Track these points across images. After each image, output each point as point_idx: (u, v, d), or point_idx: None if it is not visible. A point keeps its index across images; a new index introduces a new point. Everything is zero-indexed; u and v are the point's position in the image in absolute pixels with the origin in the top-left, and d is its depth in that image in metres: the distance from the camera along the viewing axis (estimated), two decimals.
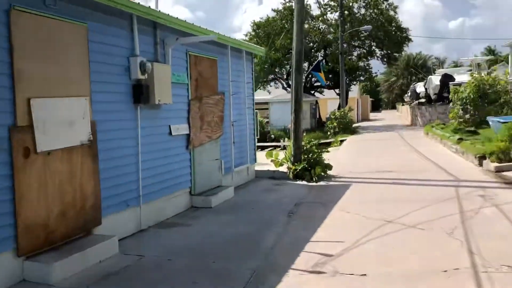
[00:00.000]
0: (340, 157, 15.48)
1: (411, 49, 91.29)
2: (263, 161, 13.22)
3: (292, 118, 11.72)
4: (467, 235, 5.70)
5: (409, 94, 51.86)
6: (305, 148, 11.57)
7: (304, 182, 10.52)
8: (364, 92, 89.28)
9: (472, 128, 17.52)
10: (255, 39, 31.65)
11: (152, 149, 7.13)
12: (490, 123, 13.16)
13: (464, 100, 19.40)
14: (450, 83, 28.84)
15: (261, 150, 25.96)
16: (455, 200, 7.62)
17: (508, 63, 32.55)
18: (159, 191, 7.30)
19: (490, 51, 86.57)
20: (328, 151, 11.95)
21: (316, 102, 35.22)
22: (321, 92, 38.04)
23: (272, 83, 38.16)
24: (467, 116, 19.46)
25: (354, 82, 35.66)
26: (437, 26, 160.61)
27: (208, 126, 8.74)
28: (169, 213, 7.59)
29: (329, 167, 11.44)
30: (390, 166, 12.23)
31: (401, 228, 6.24)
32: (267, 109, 34.42)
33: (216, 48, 9.17)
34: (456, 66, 58.27)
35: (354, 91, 46.91)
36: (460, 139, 14.46)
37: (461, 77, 30.86)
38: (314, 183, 10.35)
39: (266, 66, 31.19)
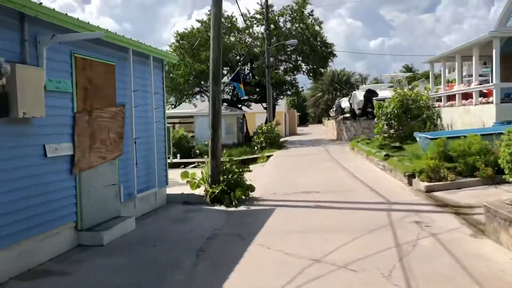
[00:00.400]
0: (265, 175, 14.42)
1: (335, 66, 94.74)
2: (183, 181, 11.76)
3: (210, 133, 10.45)
4: (408, 279, 4.69)
5: (335, 109, 52.90)
6: (224, 167, 10.29)
7: (223, 207, 9.22)
8: (292, 107, 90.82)
9: (398, 144, 17.31)
10: (179, 50, 30.17)
11: (17, 175, 5.47)
12: (418, 139, 12.76)
13: (389, 115, 19.30)
14: (374, 98, 29.26)
15: (184, 166, 24.42)
16: (389, 228, 6.71)
17: (427, 79, 33.85)
18: (29, 229, 5.64)
19: (408, 68, 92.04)
20: (250, 171, 10.82)
21: (243, 116, 34.30)
22: (248, 106, 37.23)
23: (198, 96, 36.73)
24: (392, 131, 19.36)
25: (281, 96, 35.29)
26: (358, 45, 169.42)
27: (102, 144, 7.16)
28: (44, 257, 5.92)
29: (251, 188, 10.26)
30: (316, 185, 11.32)
31: (331, 270, 5.11)
32: (192, 123, 32.93)
33: (114, 52, 7.66)
34: (377, 82, 60.92)
35: (282, 105, 46.80)
36: (387, 156, 13.99)
37: (384, 92, 31.54)
38: (233, 208, 9.08)
39: (191, 78, 29.73)
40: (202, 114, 31.33)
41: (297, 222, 7.68)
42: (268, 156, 21.72)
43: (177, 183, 12.03)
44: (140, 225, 7.77)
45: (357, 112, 32.01)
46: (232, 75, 19.48)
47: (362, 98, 30.99)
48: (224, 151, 11.99)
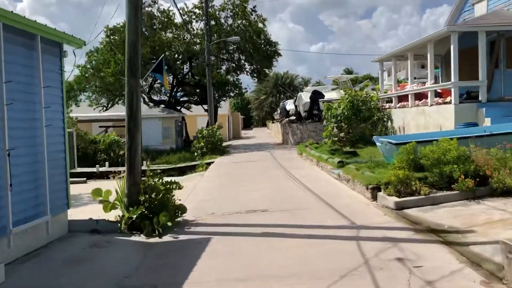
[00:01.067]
0: (203, 187, 12.29)
1: (278, 69, 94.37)
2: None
3: (126, 140, 8.17)
4: None
5: (279, 111, 51.62)
6: (146, 184, 8.05)
7: (142, 238, 7.01)
8: (236, 109, 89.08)
9: (349, 148, 15.81)
10: (109, 46, 27.28)
11: None
12: (378, 144, 11.16)
13: (339, 118, 17.85)
14: (320, 100, 27.99)
15: (109, 177, 21.69)
16: (366, 271, 4.84)
17: (371, 81, 33.18)
18: None
19: (349, 72, 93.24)
20: (180, 187, 8.63)
21: (183, 118, 31.87)
22: (188, 108, 34.87)
23: None
24: (342, 134, 17.94)
25: (224, 98, 33.27)
26: (300, 49, 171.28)
27: None
28: None
29: (182, 209, 8.12)
30: (263, 200, 9.37)
31: None
32: (121, 126, 30.02)
33: None
34: (319, 85, 60.40)
35: (225, 107, 44.79)
36: (341, 163, 12.35)
37: (330, 94, 30.41)
38: (156, 239, 6.90)
39: (122, 77, 26.90)
40: None
41: (240, 261, 5.64)
42: (209, 163, 19.59)
43: (91, 201, 9.63)
44: (14, 273, 5.41)
45: (303, 114, 30.64)
46: (155, 64, 17.02)
47: (308, 99, 29.65)
48: (153, 158, 9.63)
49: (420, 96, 17.18)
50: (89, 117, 34.23)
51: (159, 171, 8.84)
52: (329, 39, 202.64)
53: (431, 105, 15.55)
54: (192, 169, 19.74)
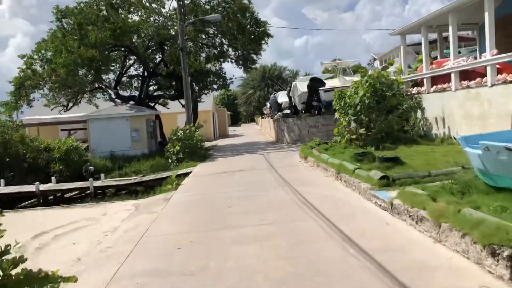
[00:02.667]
0: (150, 247, 7.41)
1: (264, 62, 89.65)
2: None
3: None
4: None
5: (269, 105, 46.78)
6: None
7: None
8: (222, 105, 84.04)
9: (385, 153, 11.04)
10: (61, 31, 22.18)
11: None
12: (472, 151, 6.19)
13: (357, 108, 13.10)
14: (321, 88, 23.25)
15: (61, 196, 16.90)
16: None
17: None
18: None
19: (327, 70, 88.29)
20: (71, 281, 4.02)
21: (157, 117, 26.89)
22: (164, 105, 29.86)
23: (99, 94, 28.75)
24: (362, 130, 13.18)
25: (206, 91, 28.36)
26: (284, 44, 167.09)
27: None
28: None
29: None
30: (275, 278, 4.58)
31: None
32: (85, 129, 25.07)
33: None
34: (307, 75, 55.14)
35: (208, 103, 39.86)
36: (385, 179, 7.65)
37: (332, 82, 25.69)
38: None
39: (77, 69, 21.79)
40: (99, 116, 23.64)
41: None
42: (185, 174, 14.78)
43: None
44: None
45: (300, 107, 25.91)
46: None
47: (305, 89, 24.91)
48: None
49: (467, 76, 12.54)
50: (43, 119, 29.15)
51: None
52: (313, 32, 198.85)
53: (493, 85, 10.89)
54: (160, 182, 14.90)
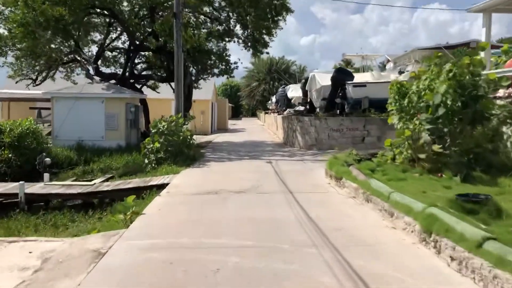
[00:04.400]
0: None
1: (272, 54, 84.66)
2: None
3: None
4: None
5: (275, 100, 41.95)
6: None
7: None
8: (224, 96, 79.08)
9: (486, 190, 6.27)
10: None
11: None
12: None
13: (440, 112, 8.35)
14: (349, 82, 18.46)
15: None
16: None
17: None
18: None
19: (347, 63, 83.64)
20: None
21: (143, 102, 22.05)
22: (154, 88, 24.99)
23: (79, 70, 23.88)
24: (437, 147, 8.43)
25: (205, 75, 23.49)
26: (291, 41, 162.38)
27: None
28: None
29: None
30: None
31: None
32: (48, 109, 20.33)
33: None
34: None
35: (208, 90, 35.01)
36: None
37: (362, 76, 20.96)
38: None
39: (41, 31, 16.87)
40: (66, 95, 18.79)
41: None
42: (160, 188, 10.04)
43: None
44: None
45: (318, 104, 21.15)
46: None
47: (326, 83, 20.15)
48: None
49: None
50: (14, 94, 24.34)
51: None
52: (321, 31, 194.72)
53: None
54: (141, 191, 10.09)
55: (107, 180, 13.87)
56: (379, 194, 7.35)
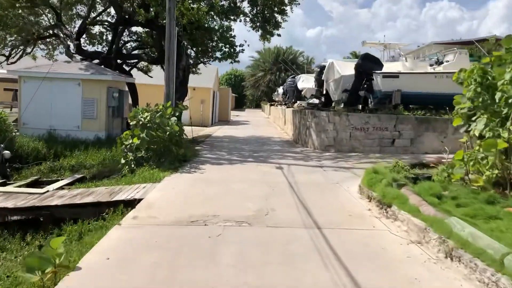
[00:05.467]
0: None
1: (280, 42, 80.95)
2: None
3: None
4: None
5: (282, 91, 38.68)
6: None
7: None
8: (227, 85, 75.78)
9: None
10: None
11: None
12: None
13: None
14: (377, 72, 15.30)
15: None
16: None
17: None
18: None
19: (355, 55, 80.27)
20: None
21: (132, 86, 18.94)
22: (146, 72, 21.79)
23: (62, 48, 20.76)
24: None
25: (205, 59, 20.28)
26: (297, 33, 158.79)
27: None
28: None
29: None
30: None
31: None
32: (14, 90, 17.25)
33: None
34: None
35: (209, 77, 31.86)
36: None
37: (393, 65, 17.77)
38: None
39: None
40: (37, 75, 15.69)
41: None
42: (128, 205, 7.03)
43: None
44: None
45: (336, 96, 17.93)
46: None
47: (348, 72, 17.00)
48: None
49: None
50: None
51: None
52: (328, 24, 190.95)
53: None
54: (102, 209, 7.10)
55: (71, 183, 10.85)
56: (478, 251, 4.29)
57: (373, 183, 7.53)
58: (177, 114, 12.05)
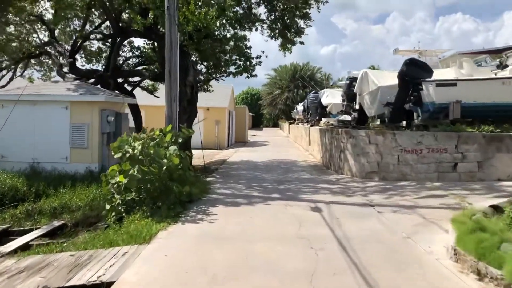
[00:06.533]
0: None
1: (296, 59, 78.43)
2: None
3: None
4: None
5: (303, 108, 35.89)
6: None
7: None
8: (243, 104, 73.45)
9: None
10: None
11: None
12: None
13: None
14: (427, 80, 12.39)
15: None
16: None
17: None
18: None
19: (375, 69, 76.90)
20: None
21: (135, 109, 16.41)
22: (152, 91, 19.21)
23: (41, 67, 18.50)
24: None
25: (218, 74, 17.66)
26: (310, 51, 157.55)
27: None
28: None
29: None
30: None
31: None
32: None
33: None
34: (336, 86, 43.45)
35: (224, 96, 29.35)
36: None
37: (443, 72, 14.82)
38: None
39: None
40: (15, 97, 13.25)
41: None
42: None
43: None
44: None
45: (373, 111, 15.02)
46: None
47: (386, 82, 14.25)
48: None
49: None
50: None
51: None
52: (342, 42, 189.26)
53: None
54: None
55: (48, 234, 8.24)
56: None
57: (485, 251, 4.59)
58: (180, 140, 9.30)
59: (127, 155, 7.87)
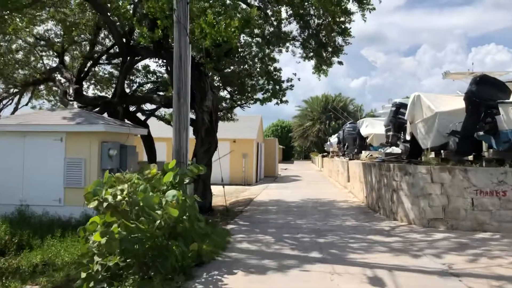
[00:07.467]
0: None
1: (328, 90, 76.11)
2: None
3: None
4: None
5: (337, 140, 33.34)
6: None
7: None
8: (274, 136, 71.30)
9: None
10: None
11: None
12: None
13: None
14: (506, 102, 9.70)
15: None
16: None
17: None
18: None
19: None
20: None
21: (148, 139, 14.35)
22: (170, 121, 17.20)
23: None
24: None
25: (243, 102, 15.47)
26: (340, 84, 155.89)
27: None
28: None
29: None
30: None
31: None
32: None
33: None
34: (373, 116, 40.58)
35: (252, 127, 27.16)
36: None
37: None
38: None
39: None
40: (3, 128, 11.29)
41: None
42: None
43: None
44: None
45: (428, 142, 12.23)
46: None
47: (445, 107, 11.69)
48: None
49: None
50: None
51: None
52: (372, 74, 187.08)
53: None
54: None
55: None
56: None
57: None
58: (186, 181, 6.95)
59: (105, 204, 5.56)
